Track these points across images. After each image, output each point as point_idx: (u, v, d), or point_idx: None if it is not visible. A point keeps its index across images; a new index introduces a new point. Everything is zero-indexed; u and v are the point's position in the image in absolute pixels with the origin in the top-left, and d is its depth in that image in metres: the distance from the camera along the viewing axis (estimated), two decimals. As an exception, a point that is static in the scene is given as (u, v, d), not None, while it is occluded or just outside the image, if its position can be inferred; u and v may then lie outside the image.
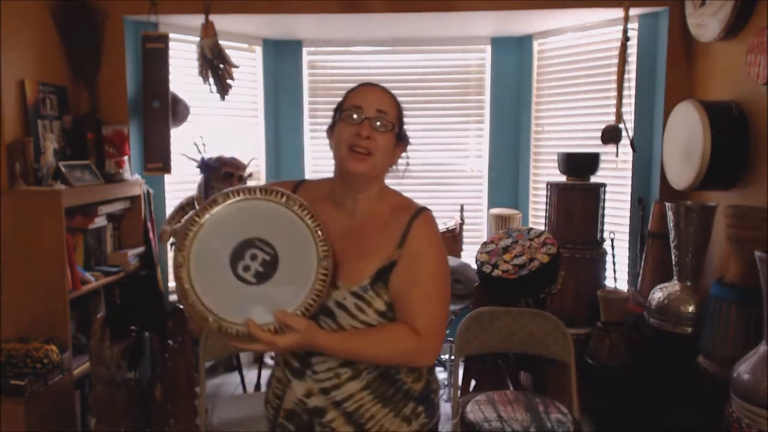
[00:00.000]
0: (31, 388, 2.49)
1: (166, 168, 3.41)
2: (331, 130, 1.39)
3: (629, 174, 3.51)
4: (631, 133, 3.28)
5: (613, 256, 3.40)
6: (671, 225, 2.67)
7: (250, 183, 3.56)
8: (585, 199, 3.14)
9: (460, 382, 2.91)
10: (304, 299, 1.18)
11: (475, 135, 4.28)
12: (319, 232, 1.19)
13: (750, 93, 2.59)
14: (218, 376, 3.89)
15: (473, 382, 3.04)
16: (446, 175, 4.30)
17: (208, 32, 3.27)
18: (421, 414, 1.41)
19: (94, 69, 3.29)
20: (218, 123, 3.89)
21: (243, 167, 3.37)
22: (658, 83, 3.35)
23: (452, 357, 3.15)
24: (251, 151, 4.10)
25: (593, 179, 3.25)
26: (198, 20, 3.28)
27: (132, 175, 3.34)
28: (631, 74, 3.38)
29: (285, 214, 1.18)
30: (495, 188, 4.24)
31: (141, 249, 3.37)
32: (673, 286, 2.67)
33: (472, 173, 4.31)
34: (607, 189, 3.24)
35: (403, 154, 1.44)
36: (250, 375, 3.81)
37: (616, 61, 3.16)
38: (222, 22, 3.38)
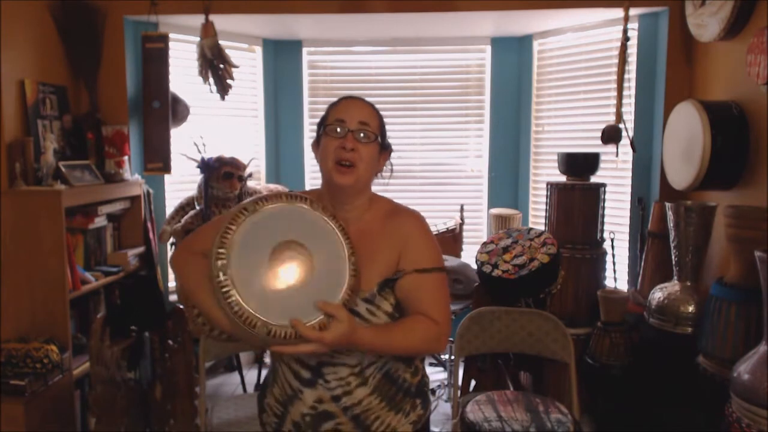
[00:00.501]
0: (31, 388, 2.49)
1: (166, 168, 3.41)
2: (316, 144, 1.44)
3: (629, 174, 3.51)
4: (631, 133, 3.28)
5: (613, 256, 3.40)
6: (671, 225, 2.67)
7: (251, 183, 3.56)
8: (585, 199, 3.14)
9: (460, 382, 2.91)
10: (342, 296, 1.22)
11: (475, 135, 4.28)
12: (345, 232, 1.24)
13: (750, 93, 2.59)
14: (218, 376, 3.89)
15: (473, 382, 3.04)
16: (446, 175, 4.30)
17: (208, 32, 3.27)
18: (418, 406, 1.48)
19: (94, 69, 3.29)
20: (218, 123, 3.89)
21: (243, 167, 3.38)
22: (658, 83, 3.35)
23: (452, 357, 3.15)
24: (251, 151, 4.10)
25: (593, 179, 3.25)
26: (198, 20, 3.28)
27: (132, 175, 3.34)
28: (631, 74, 3.38)
29: (312, 217, 1.23)
30: (495, 188, 4.24)
31: (141, 249, 3.37)
32: (673, 286, 2.67)
33: (472, 173, 4.31)
34: (607, 189, 3.24)
35: (387, 162, 1.49)
36: (250, 375, 3.81)
37: (616, 61, 3.16)
38: (222, 22, 3.38)
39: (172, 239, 3.43)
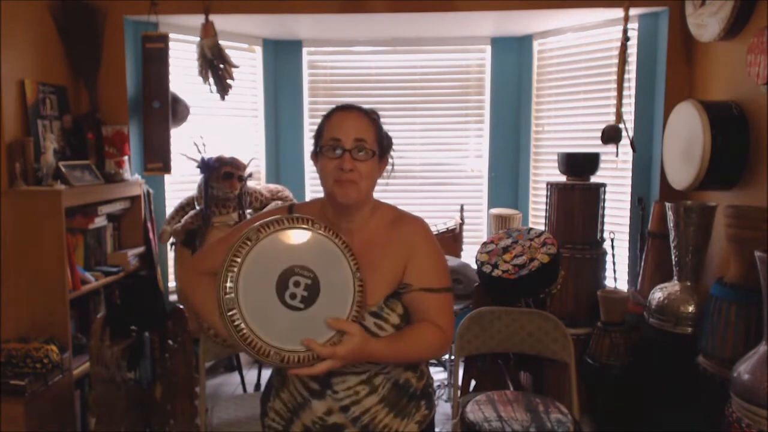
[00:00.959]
0: (31, 388, 2.49)
1: (166, 168, 3.41)
2: (315, 156, 1.43)
3: (629, 174, 3.51)
4: (631, 133, 3.28)
5: (613, 256, 3.40)
6: (671, 225, 2.67)
7: (251, 183, 3.56)
8: (585, 199, 3.14)
9: (460, 382, 2.91)
10: (350, 312, 1.24)
11: (475, 135, 4.28)
12: (348, 248, 1.25)
13: (750, 93, 2.59)
14: (218, 376, 3.89)
15: (473, 382, 3.04)
16: (446, 175, 4.30)
17: (208, 32, 3.27)
18: (422, 407, 1.49)
19: (94, 69, 3.29)
20: (218, 123, 3.89)
21: (243, 167, 3.38)
22: (658, 83, 3.35)
23: (452, 357, 3.15)
24: (251, 151, 4.10)
25: (593, 179, 3.25)
26: (198, 20, 3.28)
27: (132, 175, 3.34)
28: (631, 74, 3.38)
29: (314, 238, 1.24)
30: (495, 188, 4.24)
31: (141, 249, 3.37)
32: (673, 286, 2.67)
33: (472, 173, 4.31)
34: (607, 189, 3.24)
35: (389, 162, 1.49)
36: (250, 375, 3.81)
37: (616, 61, 3.16)
38: (222, 22, 3.38)
39: (172, 239, 3.44)
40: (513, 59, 4.13)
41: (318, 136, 1.42)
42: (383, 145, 1.44)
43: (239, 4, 3.36)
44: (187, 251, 3.33)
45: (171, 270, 3.70)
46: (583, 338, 3.01)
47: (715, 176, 2.66)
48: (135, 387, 2.63)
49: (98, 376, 2.51)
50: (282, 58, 4.22)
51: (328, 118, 1.41)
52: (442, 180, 4.29)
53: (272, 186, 3.82)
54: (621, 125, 3.12)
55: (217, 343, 2.46)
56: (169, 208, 3.60)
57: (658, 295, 2.68)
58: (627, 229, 3.54)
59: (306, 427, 1.42)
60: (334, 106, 1.43)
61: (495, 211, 4.01)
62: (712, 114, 2.63)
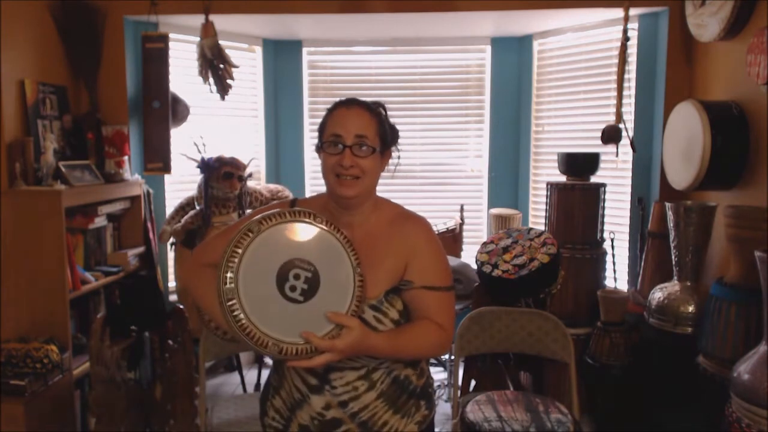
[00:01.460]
0: (31, 388, 2.49)
1: (166, 168, 3.41)
2: (318, 150, 1.44)
3: (629, 174, 3.51)
4: (631, 133, 3.28)
5: (613, 256, 3.40)
6: (671, 225, 2.67)
7: (251, 183, 3.56)
8: (585, 199, 3.14)
9: (460, 382, 2.91)
10: (349, 306, 1.24)
11: (475, 135, 4.28)
12: (349, 243, 1.26)
13: (750, 93, 2.59)
14: (218, 376, 3.89)
15: (473, 382, 3.04)
16: (446, 175, 4.30)
17: (208, 32, 3.27)
18: (422, 406, 1.48)
19: (94, 69, 3.29)
20: (218, 123, 3.89)
21: (243, 167, 3.38)
22: (658, 83, 3.35)
23: (452, 357, 3.15)
24: (251, 151, 4.10)
25: (593, 179, 3.25)
26: (198, 20, 3.28)
27: (132, 175, 3.34)
28: (631, 74, 3.38)
29: (316, 232, 1.24)
30: (495, 188, 4.24)
31: (141, 249, 3.37)
32: (673, 286, 2.67)
33: (472, 173, 4.31)
34: (607, 189, 3.24)
35: (394, 155, 1.51)
36: (250, 375, 3.81)
37: (616, 61, 3.16)
38: (222, 22, 3.38)
39: (172, 239, 3.43)
40: (513, 59, 4.13)
41: (321, 130, 1.43)
42: (386, 139, 1.44)
43: (239, 4, 3.36)
44: (187, 251, 3.33)
45: (171, 270, 3.70)
46: (583, 338, 3.01)
47: (715, 176, 2.66)
48: (135, 387, 2.63)
49: (98, 376, 2.52)
50: (282, 58, 4.22)
51: (330, 113, 1.42)
52: (442, 180, 4.29)
53: (272, 186, 3.82)
54: (621, 125, 3.12)
55: (218, 336, 2.46)
56: (169, 208, 3.60)
57: (658, 295, 2.68)
58: (627, 229, 3.54)
59: (305, 425, 1.42)
60: (337, 100, 1.44)
61: (495, 211, 4.01)
62: (712, 114, 2.63)
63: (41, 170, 2.79)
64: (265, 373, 3.60)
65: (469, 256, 3.84)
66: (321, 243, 1.24)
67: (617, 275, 3.45)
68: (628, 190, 3.52)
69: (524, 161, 4.17)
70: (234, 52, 3.78)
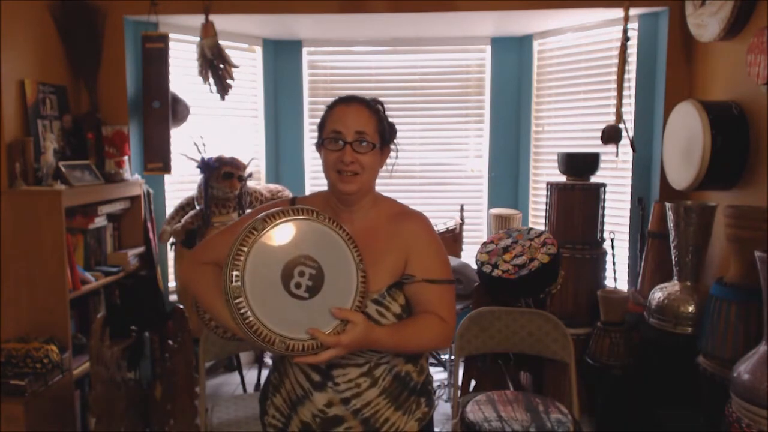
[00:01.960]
0: (31, 388, 2.49)
1: (166, 168, 3.41)
2: (319, 148, 1.45)
3: (629, 174, 3.51)
4: (631, 133, 3.28)
5: (613, 256, 3.40)
6: (671, 225, 2.67)
7: (251, 183, 3.56)
8: (585, 199, 3.14)
9: (460, 382, 2.91)
10: (353, 301, 1.26)
11: (475, 135, 4.28)
12: (351, 239, 1.28)
13: (750, 93, 2.59)
14: (218, 376, 3.89)
15: (473, 382, 3.04)
16: (446, 175, 4.30)
17: (208, 32, 3.27)
18: (422, 404, 1.50)
19: (94, 69, 3.29)
20: (218, 123, 3.89)
21: (243, 167, 3.38)
22: (658, 83, 3.35)
23: (452, 357, 3.15)
24: (251, 151, 4.10)
25: (593, 179, 3.25)
26: (198, 20, 3.28)
27: (132, 175, 3.34)
28: (631, 74, 3.38)
29: (319, 229, 1.26)
30: (495, 188, 4.24)
31: (141, 249, 3.37)
32: (673, 286, 2.67)
33: (472, 173, 4.31)
34: (607, 189, 3.24)
35: (392, 152, 1.51)
36: (250, 375, 3.81)
37: (616, 61, 3.16)
38: (222, 22, 3.39)
39: (172, 239, 3.44)
40: (513, 59, 4.13)
41: (321, 127, 1.44)
42: (385, 135, 1.46)
43: (239, 4, 3.36)
44: (187, 251, 3.33)
45: (171, 270, 3.70)
46: (583, 338, 3.01)
47: (715, 176, 2.66)
48: (135, 387, 2.63)
49: (98, 376, 2.51)
50: (282, 58, 4.22)
51: (330, 110, 1.44)
52: (442, 180, 4.30)
53: (272, 186, 3.82)
54: (621, 125, 3.12)
55: (218, 335, 2.46)
56: (169, 208, 3.60)
57: (658, 295, 2.68)
58: (627, 229, 3.54)
59: (306, 423, 1.43)
60: (336, 97, 1.45)
61: (495, 211, 4.01)
62: (712, 114, 2.63)
63: (41, 170, 2.79)
64: (265, 373, 3.60)
65: (469, 256, 3.84)
66: (324, 240, 1.26)
67: (617, 275, 3.45)
68: (628, 190, 3.52)
69: (524, 161, 4.17)
70: (234, 52, 3.78)
